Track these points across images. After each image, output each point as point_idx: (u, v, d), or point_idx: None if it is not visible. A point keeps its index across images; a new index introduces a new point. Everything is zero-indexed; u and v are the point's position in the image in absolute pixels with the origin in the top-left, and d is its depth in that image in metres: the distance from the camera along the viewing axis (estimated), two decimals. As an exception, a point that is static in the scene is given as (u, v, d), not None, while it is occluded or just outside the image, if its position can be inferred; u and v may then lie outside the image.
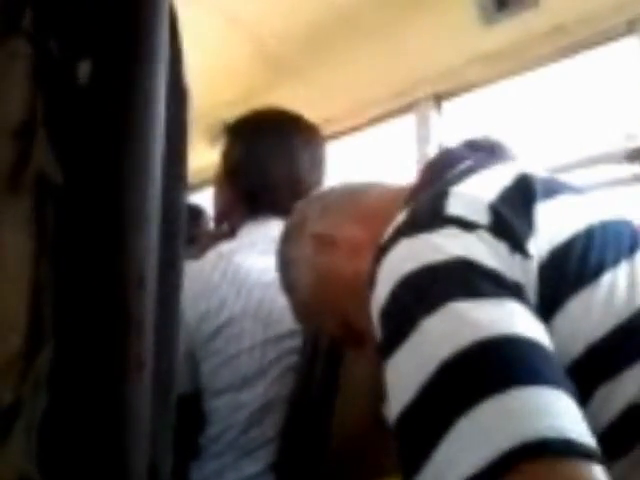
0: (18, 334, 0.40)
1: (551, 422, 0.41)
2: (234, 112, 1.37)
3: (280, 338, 1.11)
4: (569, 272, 0.52)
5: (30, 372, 0.41)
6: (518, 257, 0.52)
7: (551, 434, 0.40)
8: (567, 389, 0.44)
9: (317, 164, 1.30)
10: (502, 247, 0.52)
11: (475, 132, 1.39)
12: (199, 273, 1.14)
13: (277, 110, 1.33)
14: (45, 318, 0.41)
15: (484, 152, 0.87)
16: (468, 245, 0.52)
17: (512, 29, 1.57)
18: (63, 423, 0.41)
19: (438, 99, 1.86)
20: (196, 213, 2.02)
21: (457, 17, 1.57)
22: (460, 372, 0.45)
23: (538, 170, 0.62)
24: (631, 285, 0.52)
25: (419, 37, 1.66)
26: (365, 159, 2.15)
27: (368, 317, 0.56)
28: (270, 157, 1.25)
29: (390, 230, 0.58)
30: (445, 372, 0.45)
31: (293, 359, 1.11)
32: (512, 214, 0.54)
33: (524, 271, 0.51)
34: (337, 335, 0.85)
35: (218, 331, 1.10)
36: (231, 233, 1.30)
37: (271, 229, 1.16)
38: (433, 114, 1.86)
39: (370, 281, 0.56)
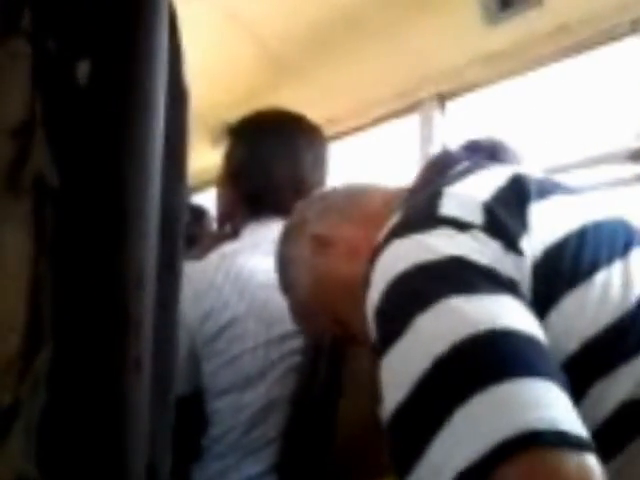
0: (17, 334, 0.40)
1: (543, 413, 0.41)
2: (236, 113, 1.37)
3: (283, 338, 1.11)
4: (563, 271, 0.52)
5: (29, 372, 0.41)
6: (512, 256, 0.52)
7: (542, 425, 0.40)
8: (560, 381, 0.44)
9: (320, 164, 1.30)
10: (496, 246, 0.52)
11: (479, 132, 1.39)
12: (202, 274, 1.14)
13: (280, 111, 1.33)
14: (44, 318, 0.41)
15: (484, 153, 0.87)
16: (462, 244, 0.52)
17: (516, 29, 1.57)
18: (62, 423, 0.41)
19: (442, 99, 1.85)
20: (199, 214, 2.02)
21: (461, 17, 1.57)
22: (454, 367, 0.45)
23: (533, 171, 0.63)
24: (625, 284, 0.52)
25: (422, 37, 1.66)
26: (368, 159, 2.15)
27: (362, 319, 0.56)
28: (273, 158, 1.25)
29: (385, 231, 0.59)
30: (439, 368, 0.45)
31: (296, 359, 1.11)
32: (506, 214, 0.55)
33: (518, 269, 0.52)
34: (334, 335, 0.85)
35: (220, 332, 1.10)
36: (234, 234, 1.30)
37: (274, 230, 1.16)
38: (437, 114, 1.85)
39: (365, 282, 0.57)
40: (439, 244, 0.53)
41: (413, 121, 1.92)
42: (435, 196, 0.58)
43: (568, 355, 0.50)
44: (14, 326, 0.40)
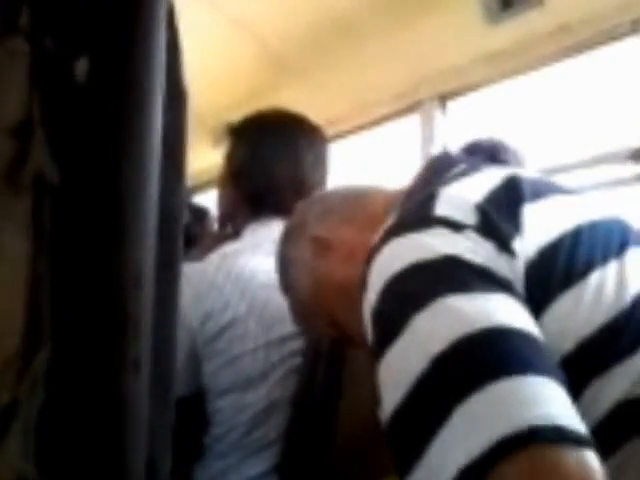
0: (15, 334, 0.40)
1: (541, 410, 0.41)
2: (237, 113, 1.37)
3: (283, 340, 1.11)
4: (557, 270, 0.53)
5: (27, 372, 0.41)
6: (505, 257, 0.52)
7: (541, 422, 0.41)
8: (558, 377, 0.44)
9: (321, 165, 1.31)
10: (489, 246, 0.53)
11: (480, 132, 1.39)
12: (203, 274, 1.14)
13: (280, 111, 1.33)
14: (42, 318, 0.41)
15: (484, 154, 0.87)
16: (456, 244, 0.53)
17: (517, 29, 1.57)
18: (60, 423, 0.41)
19: (442, 99, 1.85)
20: (201, 214, 2.02)
21: (461, 17, 1.57)
22: (451, 366, 0.45)
23: (529, 172, 0.63)
24: (620, 283, 0.52)
25: (423, 37, 1.66)
26: (369, 160, 2.15)
27: (359, 321, 0.57)
28: (274, 158, 1.25)
29: (381, 232, 0.59)
30: (437, 367, 0.46)
31: (296, 361, 1.11)
32: (499, 215, 0.55)
33: (511, 270, 0.52)
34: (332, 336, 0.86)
35: (221, 332, 1.10)
36: (235, 234, 1.30)
37: (275, 230, 1.16)
38: (438, 114, 1.85)
39: (361, 283, 0.57)
40: (435, 243, 0.53)
41: (414, 121, 1.92)
42: (430, 197, 0.58)
43: (563, 355, 0.50)
44: (12, 326, 0.40)
